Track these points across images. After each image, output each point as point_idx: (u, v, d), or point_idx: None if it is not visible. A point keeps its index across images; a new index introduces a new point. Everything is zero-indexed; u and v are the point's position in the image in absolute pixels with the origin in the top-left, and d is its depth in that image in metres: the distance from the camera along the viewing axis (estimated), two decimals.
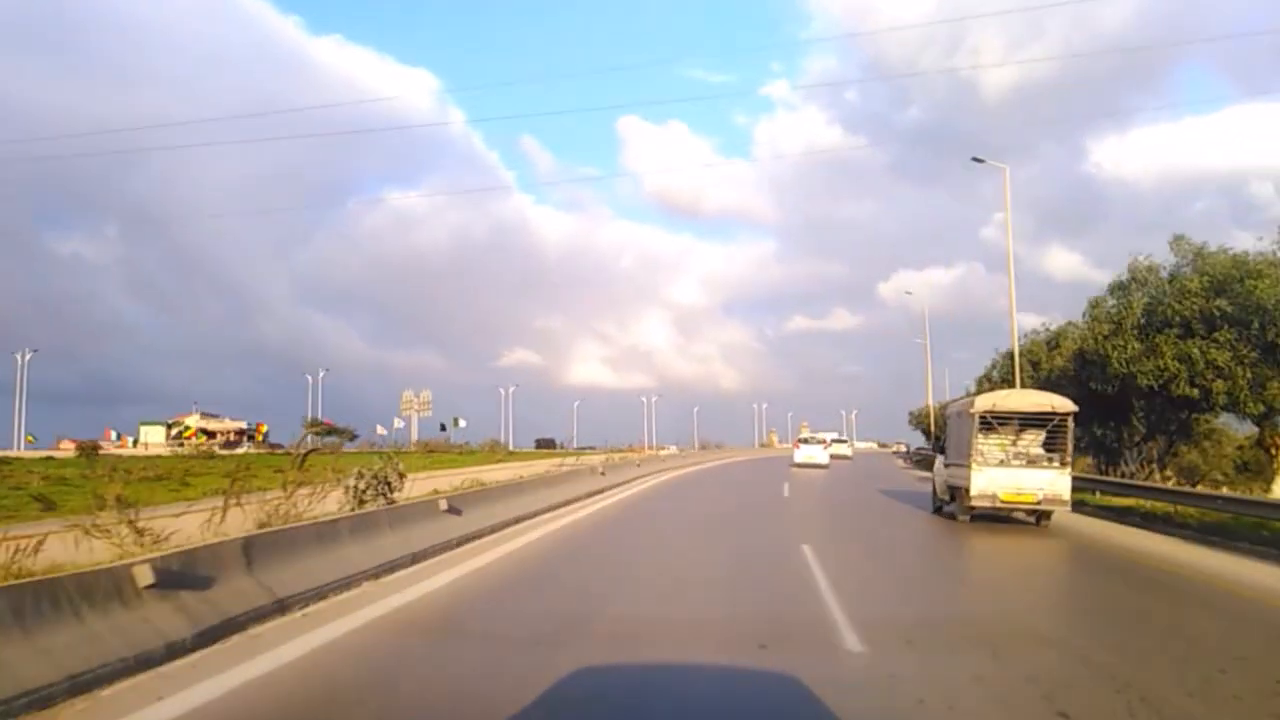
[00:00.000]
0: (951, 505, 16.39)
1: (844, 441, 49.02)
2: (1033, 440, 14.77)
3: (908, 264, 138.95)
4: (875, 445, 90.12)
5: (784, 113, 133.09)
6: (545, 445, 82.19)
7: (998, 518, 15.01)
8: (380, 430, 57.05)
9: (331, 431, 61.82)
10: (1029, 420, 14.57)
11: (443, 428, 63.94)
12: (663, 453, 43.15)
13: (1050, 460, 14.17)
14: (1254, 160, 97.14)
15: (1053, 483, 13.82)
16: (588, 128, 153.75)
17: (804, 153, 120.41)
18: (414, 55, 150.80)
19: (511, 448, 71.45)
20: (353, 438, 62.88)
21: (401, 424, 67.99)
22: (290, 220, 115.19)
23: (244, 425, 66.48)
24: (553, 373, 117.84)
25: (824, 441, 36.57)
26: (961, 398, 17.88)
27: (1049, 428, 14.45)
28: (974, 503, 14.08)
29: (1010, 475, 14.05)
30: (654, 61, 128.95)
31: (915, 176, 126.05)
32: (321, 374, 72.22)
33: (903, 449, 70.20)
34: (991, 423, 14.52)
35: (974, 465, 14.12)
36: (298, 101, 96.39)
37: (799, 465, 33.77)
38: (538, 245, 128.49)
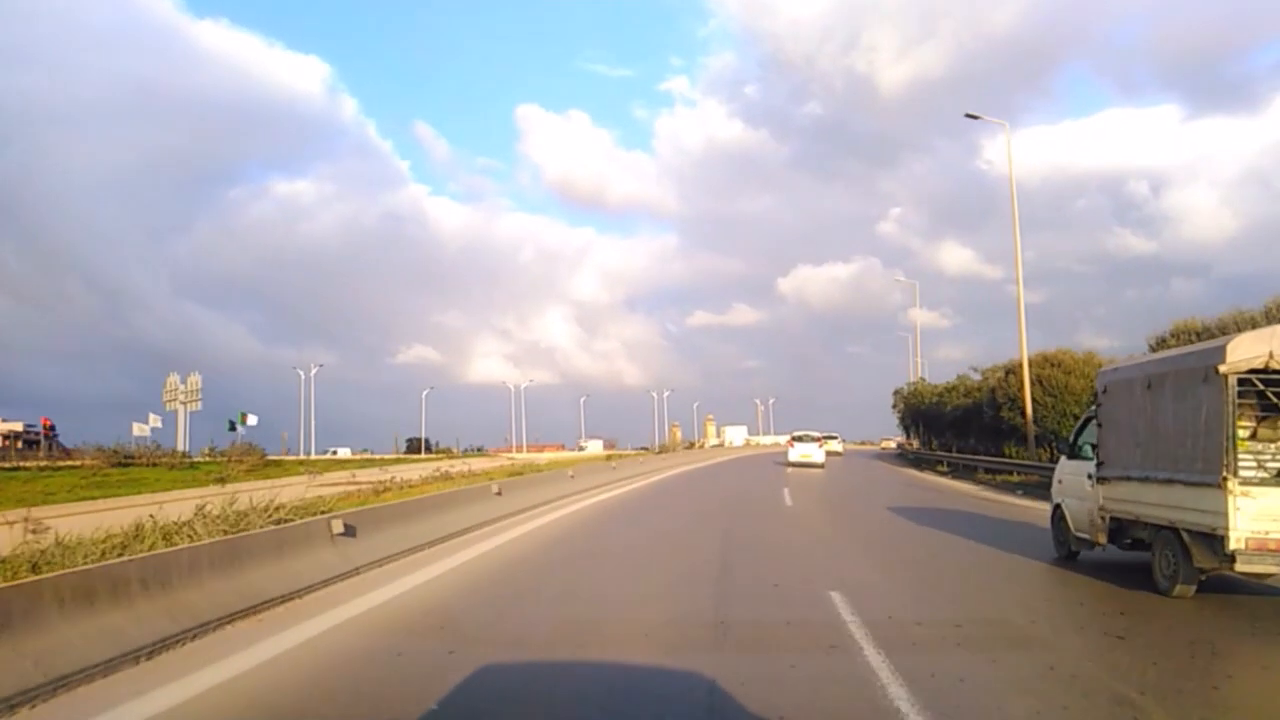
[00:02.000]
0: (1096, 550, 9.01)
1: (834, 438, 49.09)
2: None
3: (807, 259, 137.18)
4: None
5: (683, 107, 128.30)
6: (414, 449, 72.91)
7: (1212, 583, 7.53)
8: (139, 430, 43.68)
9: None
10: None
11: (231, 426, 50.43)
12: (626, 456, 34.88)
13: None
14: (1131, 160, 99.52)
15: None
16: (485, 116, 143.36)
17: (705, 146, 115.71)
18: (304, 42, 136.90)
19: (312, 454, 58.21)
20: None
21: (160, 422, 49.25)
22: (169, 210, 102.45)
23: (22, 426, 53.07)
24: (454, 369, 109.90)
25: (819, 440, 35.34)
26: (1182, 350, 8.92)
27: None
28: (1245, 564, 6.58)
29: None
30: (555, 52, 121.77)
31: (815, 171, 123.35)
32: None
33: (891, 447, 65.04)
34: (1262, 390, 7.00)
35: (1233, 483, 6.62)
36: (176, 86, 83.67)
37: (793, 464, 33.14)
38: (435, 238, 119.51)
